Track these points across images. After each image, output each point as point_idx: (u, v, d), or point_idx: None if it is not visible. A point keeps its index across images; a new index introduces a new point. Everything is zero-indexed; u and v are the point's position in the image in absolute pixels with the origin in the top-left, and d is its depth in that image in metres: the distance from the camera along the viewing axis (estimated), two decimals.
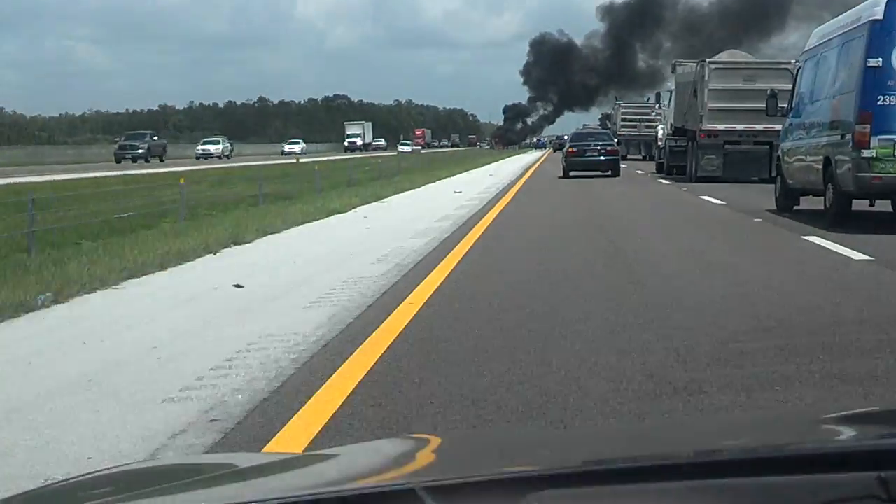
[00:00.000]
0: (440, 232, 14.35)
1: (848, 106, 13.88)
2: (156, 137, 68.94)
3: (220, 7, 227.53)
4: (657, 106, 44.19)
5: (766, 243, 12.84)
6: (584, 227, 14.96)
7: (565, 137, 52.11)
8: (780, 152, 18.24)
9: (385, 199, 21.62)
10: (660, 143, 41.24)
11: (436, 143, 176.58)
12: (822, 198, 15.13)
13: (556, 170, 39.88)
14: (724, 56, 34.25)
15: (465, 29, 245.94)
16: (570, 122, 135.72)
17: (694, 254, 11.64)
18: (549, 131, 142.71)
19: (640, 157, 65.16)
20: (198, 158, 70.34)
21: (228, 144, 79.74)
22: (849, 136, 13.79)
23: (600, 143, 36.42)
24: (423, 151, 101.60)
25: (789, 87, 32.05)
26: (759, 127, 31.54)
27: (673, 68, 37.72)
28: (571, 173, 35.22)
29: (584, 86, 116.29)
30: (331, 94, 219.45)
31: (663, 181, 34.45)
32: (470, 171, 39.43)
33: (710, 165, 32.04)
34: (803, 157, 16.11)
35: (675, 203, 23.32)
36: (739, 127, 31.72)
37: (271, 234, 14.07)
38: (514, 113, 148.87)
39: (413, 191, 25.67)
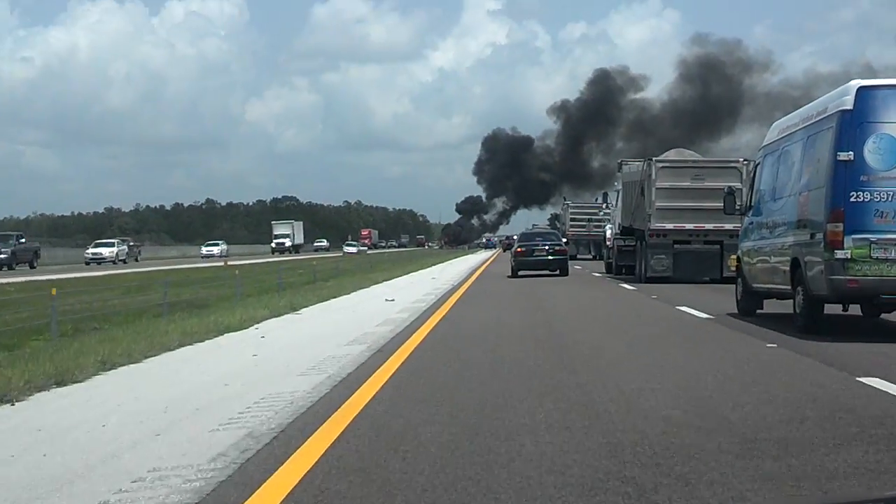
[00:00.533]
0: (346, 363, 10.43)
1: (817, 203, 12.44)
2: (23, 240, 60.42)
3: (170, 111, 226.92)
4: (605, 206, 43.00)
5: (727, 350, 11.23)
6: (535, 345, 13.15)
7: (514, 237, 51.34)
8: (739, 253, 16.74)
9: (301, 310, 18.55)
10: (608, 242, 39.99)
11: (383, 244, 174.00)
12: (791, 301, 13.61)
13: (504, 270, 38.87)
14: (671, 154, 33.21)
15: (415, 132, 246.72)
16: (523, 221, 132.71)
17: (649, 361, 9.96)
18: (505, 230, 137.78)
19: (590, 256, 64.30)
20: (88, 264, 64.88)
21: (125, 247, 72.27)
22: (819, 236, 12.38)
23: (548, 242, 36.23)
24: (368, 252, 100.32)
25: (739, 185, 32.13)
26: (708, 226, 30.65)
27: (619, 167, 36.66)
28: (520, 273, 34.93)
29: (540, 183, 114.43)
30: (279, 196, 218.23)
31: (613, 282, 33.20)
32: (411, 274, 37.18)
33: (659, 266, 30.85)
34: (767, 257, 14.67)
35: (626, 304, 21.94)
36: (688, 226, 30.74)
37: (120, 366, 10.15)
38: (469, 205, 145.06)
39: (340, 298, 22.59)
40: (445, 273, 38.10)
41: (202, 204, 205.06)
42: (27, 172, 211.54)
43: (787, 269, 13.38)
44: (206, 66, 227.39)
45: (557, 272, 34.98)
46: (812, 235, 12.61)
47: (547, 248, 35.46)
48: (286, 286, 24.98)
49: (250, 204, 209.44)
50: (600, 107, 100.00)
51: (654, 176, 30.90)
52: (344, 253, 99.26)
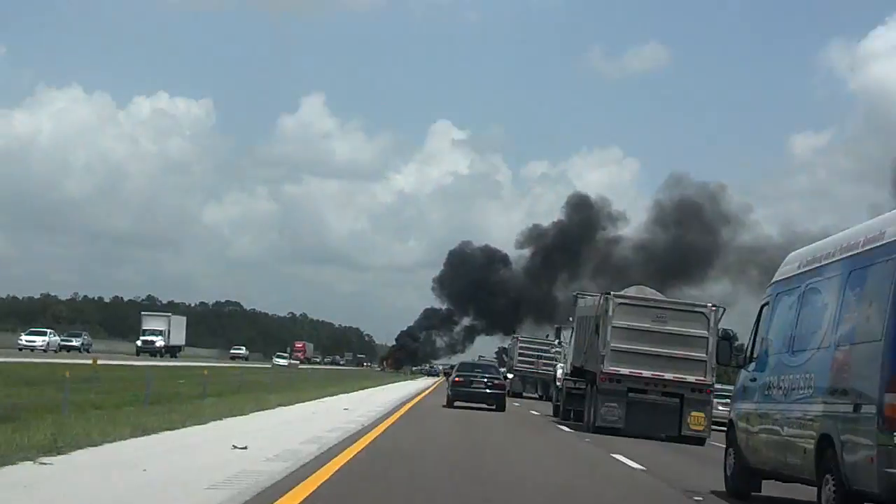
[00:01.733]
0: None
1: (866, 362, 8.94)
2: None
3: (126, 205, 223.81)
4: (557, 342, 39.47)
5: None
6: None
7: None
8: (733, 415, 13.06)
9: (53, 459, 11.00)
10: (558, 383, 36.42)
11: (317, 360, 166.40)
12: (816, 492, 9.94)
13: (441, 401, 35.36)
14: (631, 291, 30.01)
15: (370, 251, 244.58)
16: (482, 348, 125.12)
17: None
18: (463, 356, 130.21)
19: (536, 395, 60.68)
20: (20, 350, 63.46)
21: (57, 338, 72.12)
22: (870, 409, 8.90)
23: (487, 375, 35.60)
24: (300, 367, 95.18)
25: (704, 333, 28.88)
26: (668, 376, 27.58)
27: (575, 300, 33.39)
28: (456, 403, 34.22)
29: (504, 309, 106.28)
30: (222, 300, 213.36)
31: (561, 427, 29.82)
32: (324, 399, 30.77)
33: (610, 415, 27.56)
34: (777, 428, 11.13)
35: (577, 462, 18.46)
36: (646, 374, 27.69)
37: None
38: (426, 321, 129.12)
39: (171, 433, 15.22)
40: (368, 402, 32.23)
41: (142, 300, 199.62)
42: None
43: (811, 447, 9.90)
44: (167, 164, 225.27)
45: (494, 406, 34.08)
46: (856, 407, 9.13)
47: (486, 380, 34.67)
48: (166, 398, 20.96)
49: (192, 305, 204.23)
50: (575, 235, 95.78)
51: (610, 313, 27.69)
52: (273, 364, 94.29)
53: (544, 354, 60.04)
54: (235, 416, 19.51)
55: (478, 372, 35.87)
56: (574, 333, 32.95)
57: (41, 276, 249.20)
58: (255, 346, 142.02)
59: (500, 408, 34.34)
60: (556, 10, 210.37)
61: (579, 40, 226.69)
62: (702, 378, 27.51)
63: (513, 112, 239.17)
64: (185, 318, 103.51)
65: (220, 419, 18.47)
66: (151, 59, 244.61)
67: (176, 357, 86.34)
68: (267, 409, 22.56)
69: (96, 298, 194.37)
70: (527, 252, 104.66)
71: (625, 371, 27.57)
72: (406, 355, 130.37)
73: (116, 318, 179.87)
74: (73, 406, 16.75)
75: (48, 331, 74.95)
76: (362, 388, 42.06)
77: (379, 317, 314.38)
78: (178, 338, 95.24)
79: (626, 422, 27.41)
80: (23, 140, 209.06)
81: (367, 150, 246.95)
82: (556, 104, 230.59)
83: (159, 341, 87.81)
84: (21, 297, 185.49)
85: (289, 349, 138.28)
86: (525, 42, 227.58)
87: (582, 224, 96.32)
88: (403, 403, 31.79)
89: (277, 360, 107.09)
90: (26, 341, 68.70)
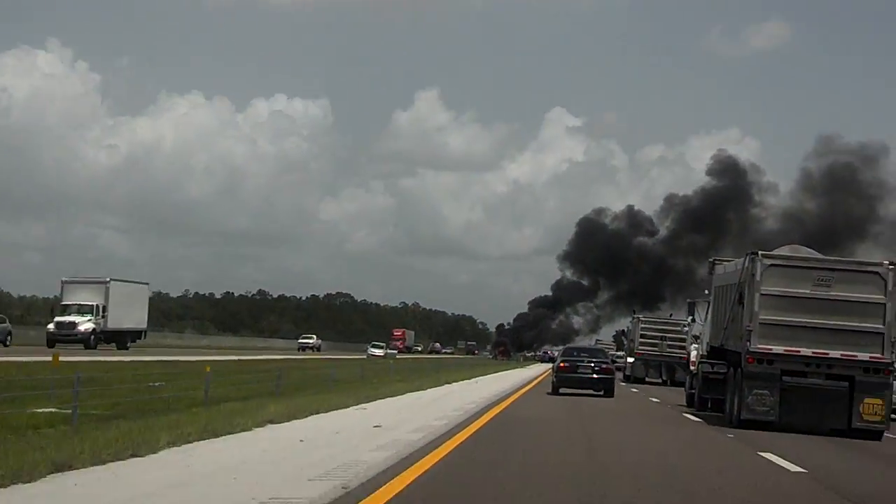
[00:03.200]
0: None
1: None
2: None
3: (245, 205, 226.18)
4: (689, 320, 33.60)
5: None
6: None
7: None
8: None
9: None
10: (692, 367, 30.70)
11: (418, 349, 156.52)
12: None
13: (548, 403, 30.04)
14: (784, 250, 24.17)
15: (485, 241, 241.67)
16: (609, 333, 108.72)
17: None
18: (595, 336, 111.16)
19: (659, 381, 54.82)
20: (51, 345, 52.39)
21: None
22: None
23: (595, 359, 34.31)
24: (397, 356, 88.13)
25: (880, 298, 22.92)
26: (834, 354, 22.10)
27: (711, 267, 27.64)
28: (561, 390, 33.29)
29: (642, 280, 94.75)
30: (333, 292, 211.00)
31: (694, 419, 24.63)
32: (360, 407, 20.44)
33: (759, 404, 22.11)
34: None
35: (714, 463, 14.54)
36: (805, 352, 22.26)
37: None
38: (542, 306, 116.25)
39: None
40: (433, 407, 22.46)
41: (253, 294, 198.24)
42: (100, 253, 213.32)
43: None
44: (285, 163, 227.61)
45: (601, 392, 33.17)
46: None
47: (592, 365, 33.50)
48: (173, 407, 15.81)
49: (303, 298, 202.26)
50: (719, 201, 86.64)
51: (759, 277, 22.12)
52: (369, 355, 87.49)
53: (669, 335, 54.42)
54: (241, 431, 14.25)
55: (584, 356, 34.51)
56: (711, 307, 27.33)
57: (163, 275, 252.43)
58: (364, 337, 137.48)
59: (609, 393, 33.17)
60: None
61: (696, 20, 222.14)
62: (878, 355, 21.83)
63: (628, 96, 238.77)
64: (146, 288, 65.05)
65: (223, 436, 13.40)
66: (268, 62, 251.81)
67: (127, 348, 58.31)
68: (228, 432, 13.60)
69: (207, 294, 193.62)
70: (663, 228, 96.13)
71: (778, 349, 22.05)
72: (518, 341, 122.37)
73: (226, 314, 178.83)
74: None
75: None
76: (448, 382, 35.93)
77: (494, 305, 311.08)
78: (132, 318, 60.97)
79: (779, 413, 22.03)
80: (147, 146, 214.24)
81: (481, 141, 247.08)
82: (672, 86, 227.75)
83: (85, 324, 56.89)
84: None
85: (389, 338, 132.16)
86: (639, 25, 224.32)
87: (728, 191, 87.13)
88: (494, 403, 25.26)
89: (373, 350, 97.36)
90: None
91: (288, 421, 16.04)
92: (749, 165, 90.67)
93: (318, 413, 17.92)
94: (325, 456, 11.92)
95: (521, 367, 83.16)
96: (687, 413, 27.52)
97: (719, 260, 27.38)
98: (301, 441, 13.45)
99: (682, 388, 35.96)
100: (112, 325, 58.36)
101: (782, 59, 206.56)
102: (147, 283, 65.48)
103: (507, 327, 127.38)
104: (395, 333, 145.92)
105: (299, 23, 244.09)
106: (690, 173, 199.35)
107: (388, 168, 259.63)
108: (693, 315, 31.18)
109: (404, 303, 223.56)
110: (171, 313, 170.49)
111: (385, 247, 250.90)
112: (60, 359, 19.39)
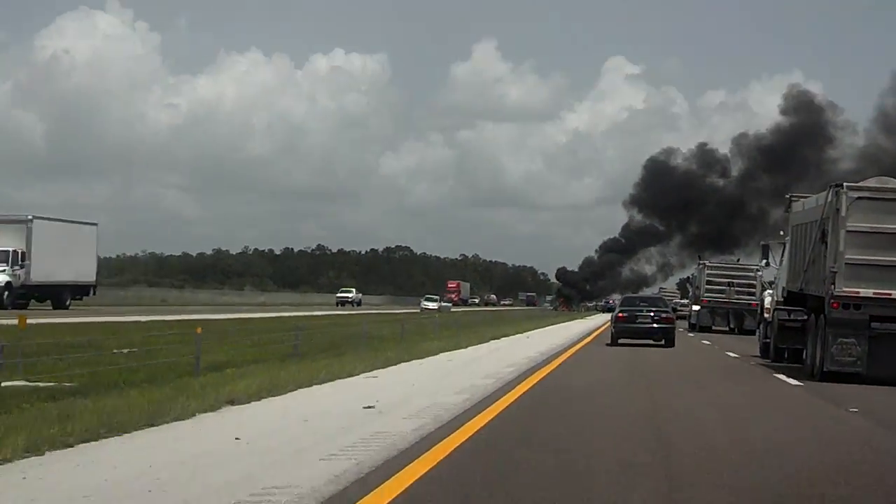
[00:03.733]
0: None
1: None
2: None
3: (306, 162, 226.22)
4: (763, 264, 30.71)
5: None
6: None
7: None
8: None
9: None
10: (766, 315, 28.08)
11: (475, 301, 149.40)
12: None
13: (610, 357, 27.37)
14: (871, 182, 21.49)
15: (546, 192, 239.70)
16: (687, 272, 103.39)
17: None
18: (665, 284, 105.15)
19: (726, 328, 52.12)
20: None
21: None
22: None
23: (655, 308, 33.58)
24: (452, 310, 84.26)
25: None
26: None
27: (788, 205, 24.98)
28: (620, 340, 32.69)
29: (716, 221, 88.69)
30: (392, 246, 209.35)
31: (774, 373, 21.97)
32: (372, 375, 17.05)
33: (845, 354, 19.74)
34: None
35: (791, 422, 11.89)
36: None
37: None
38: (617, 247, 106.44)
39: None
40: (485, 364, 20.98)
41: (313, 250, 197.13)
42: (164, 213, 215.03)
43: None
44: (345, 119, 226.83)
45: (662, 342, 32.56)
46: None
47: (652, 314, 32.82)
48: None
49: (363, 252, 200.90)
50: (796, 140, 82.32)
51: (844, 212, 19.56)
52: (422, 309, 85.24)
53: (737, 281, 51.65)
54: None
55: (643, 305, 33.79)
56: (788, 249, 24.73)
57: (226, 233, 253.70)
58: (423, 291, 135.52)
59: (670, 342, 32.48)
60: None
61: None
62: None
63: (688, 42, 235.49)
64: (91, 231, 52.15)
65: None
66: (325, 17, 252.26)
67: (66, 307, 48.03)
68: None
69: (266, 251, 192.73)
70: (734, 170, 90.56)
71: (867, 292, 19.56)
72: (582, 290, 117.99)
73: (286, 270, 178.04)
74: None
75: None
76: (495, 338, 33.20)
77: (556, 256, 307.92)
78: (70, 268, 49.01)
79: (868, 363, 19.57)
80: (208, 105, 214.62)
81: (539, 91, 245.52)
82: (732, 30, 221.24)
83: None
84: (194, 254, 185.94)
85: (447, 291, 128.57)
86: None
87: (804, 127, 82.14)
88: (540, 364, 21.40)
89: (426, 303, 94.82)
90: None
91: (258, 399, 12.60)
92: (826, 103, 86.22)
93: (310, 385, 14.67)
94: (241, 475, 7.85)
95: (582, 317, 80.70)
96: (763, 365, 25.05)
97: (797, 196, 24.72)
98: (236, 439, 9.51)
99: (753, 336, 34.29)
100: (38, 277, 46.23)
101: None
102: (95, 224, 52.26)
103: (569, 274, 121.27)
104: (450, 285, 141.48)
105: None
106: (753, 118, 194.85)
107: (447, 121, 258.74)
108: (767, 258, 28.52)
109: (464, 255, 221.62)
110: (230, 271, 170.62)
111: (445, 200, 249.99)
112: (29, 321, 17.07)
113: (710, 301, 52.37)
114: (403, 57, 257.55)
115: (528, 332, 40.31)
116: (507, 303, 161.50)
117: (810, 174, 75.81)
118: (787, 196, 25.17)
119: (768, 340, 26.72)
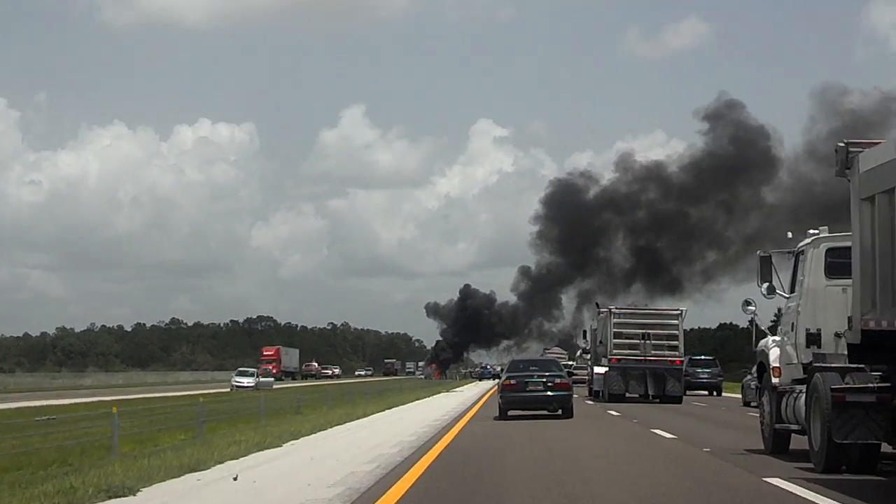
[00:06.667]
0: None
1: None
2: None
3: (173, 236, 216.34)
4: (763, 288, 17.44)
5: None
6: None
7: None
8: None
9: None
10: (775, 378, 15.93)
11: (328, 373, 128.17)
12: None
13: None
14: None
15: (420, 259, 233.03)
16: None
17: None
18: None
19: (642, 394, 40.06)
20: None
21: None
22: None
23: (547, 373, 29.73)
24: (274, 386, 66.38)
25: None
26: None
27: (844, 160, 13.11)
28: (510, 413, 29.21)
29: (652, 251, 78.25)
30: (254, 316, 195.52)
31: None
32: None
33: None
34: None
35: None
36: None
37: None
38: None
39: None
40: None
41: (166, 324, 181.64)
42: (29, 293, 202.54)
43: None
44: (214, 191, 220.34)
45: (559, 412, 29.11)
46: None
47: (545, 380, 29.41)
48: None
49: (221, 325, 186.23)
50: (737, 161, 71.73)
51: None
52: (233, 387, 64.70)
53: (653, 331, 39.84)
54: None
55: (533, 370, 30.18)
56: (858, 248, 12.92)
57: (92, 311, 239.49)
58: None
59: (567, 413, 29.10)
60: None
61: (614, 24, 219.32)
62: None
63: (553, 104, 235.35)
64: None
65: None
66: (190, 88, 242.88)
67: None
68: None
69: (114, 327, 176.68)
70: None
71: None
72: (454, 357, 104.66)
73: (134, 347, 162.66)
74: None
75: None
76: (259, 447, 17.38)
77: (432, 323, 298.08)
78: None
79: None
80: (70, 181, 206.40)
81: (410, 156, 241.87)
82: (596, 92, 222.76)
83: None
84: (34, 335, 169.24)
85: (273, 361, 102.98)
86: (559, 34, 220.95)
87: (747, 151, 72.53)
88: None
89: (239, 378, 68.04)
90: None
91: None
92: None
93: None
94: None
95: (448, 390, 65.15)
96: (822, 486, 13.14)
97: (856, 143, 12.85)
98: None
99: (685, 407, 26.68)
100: None
101: (702, 56, 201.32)
102: None
103: (448, 339, 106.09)
104: (265, 353, 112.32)
105: (216, 44, 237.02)
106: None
107: (318, 189, 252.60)
108: (769, 280, 16.22)
109: (332, 323, 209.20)
110: (72, 351, 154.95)
111: (318, 270, 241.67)
112: None
113: (619, 360, 40.21)
114: (271, 125, 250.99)
115: (347, 424, 25.29)
116: (333, 372, 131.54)
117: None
118: (843, 143, 13.14)
119: (785, 425, 14.78)
